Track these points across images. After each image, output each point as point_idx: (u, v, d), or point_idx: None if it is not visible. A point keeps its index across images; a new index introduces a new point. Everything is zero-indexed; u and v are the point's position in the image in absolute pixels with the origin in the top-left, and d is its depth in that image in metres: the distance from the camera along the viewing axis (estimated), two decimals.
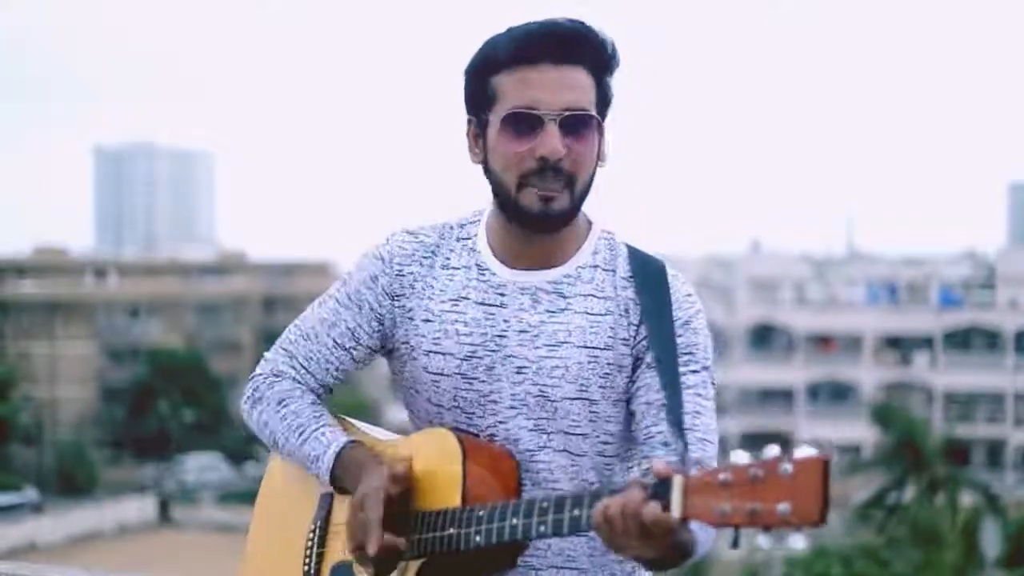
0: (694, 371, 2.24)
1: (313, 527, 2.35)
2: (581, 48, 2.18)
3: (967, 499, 31.52)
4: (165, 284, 62.16)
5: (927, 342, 55.45)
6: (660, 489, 1.87)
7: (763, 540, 1.75)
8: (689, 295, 2.28)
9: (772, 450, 1.75)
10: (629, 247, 2.32)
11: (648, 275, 2.28)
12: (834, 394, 56.08)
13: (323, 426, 2.32)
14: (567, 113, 2.16)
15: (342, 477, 2.26)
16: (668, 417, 2.17)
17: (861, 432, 48.20)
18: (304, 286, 60.39)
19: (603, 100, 2.22)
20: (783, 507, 1.71)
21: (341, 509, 2.31)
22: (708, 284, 60.81)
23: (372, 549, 2.13)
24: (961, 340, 55.31)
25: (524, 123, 2.17)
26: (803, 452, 1.72)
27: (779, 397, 56.25)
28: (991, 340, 54.86)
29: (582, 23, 2.20)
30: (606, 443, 2.27)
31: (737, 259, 65.88)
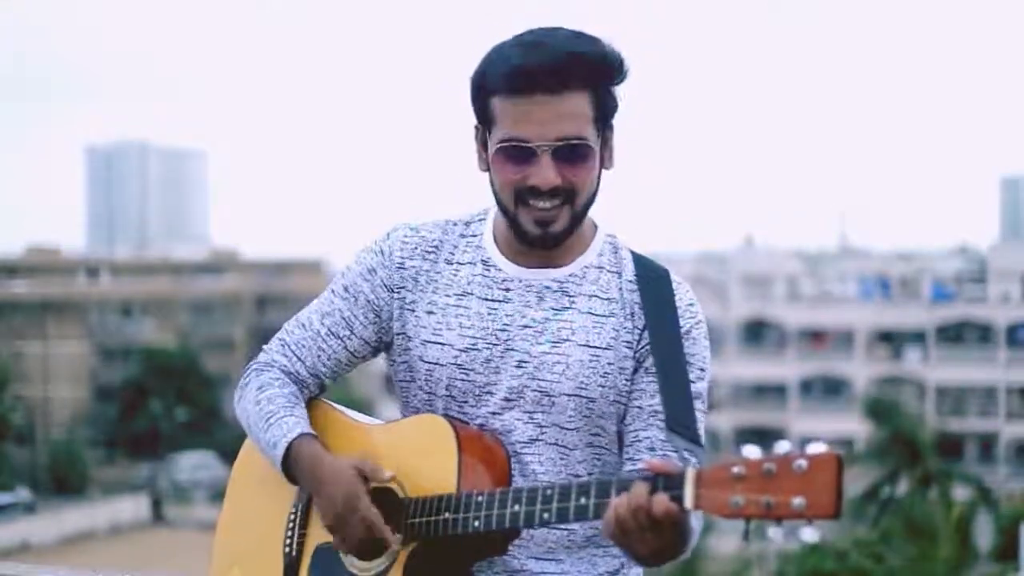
0: (691, 381, 2.27)
1: (294, 509, 2.36)
2: (576, 71, 2.18)
3: (960, 493, 31.60)
4: (158, 283, 62.09)
5: (919, 336, 55.52)
6: (672, 481, 1.92)
7: (776, 533, 1.83)
8: (691, 304, 2.31)
9: (783, 446, 1.82)
10: (633, 252, 2.36)
11: (653, 281, 2.31)
12: (827, 389, 56.14)
13: (289, 415, 2.32)
14: (560, 143, 2.18)
15: (294, 467, 2.28)
16: (668, 423, 2.19)
17: (854, 427, 48.26)
18: (297, 284, 60.37)
19: (605, 110, 2.24)
20: (798, 501, 1.78)
21: None
22: (701, 280, 60.75)
23: (395, 543, 2.19)
24: (953, 334, 55.39)
25: (518, 153, 2.20)
26: (816, 448, 1.79)
27: (772, 392, 56.32)
28: (983, 334, 54.94)
29: (577, 41, 2.20)
30: (596, 435, 2.29)
31: (730, 255, 65.88)
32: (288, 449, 2.28)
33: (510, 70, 2.18)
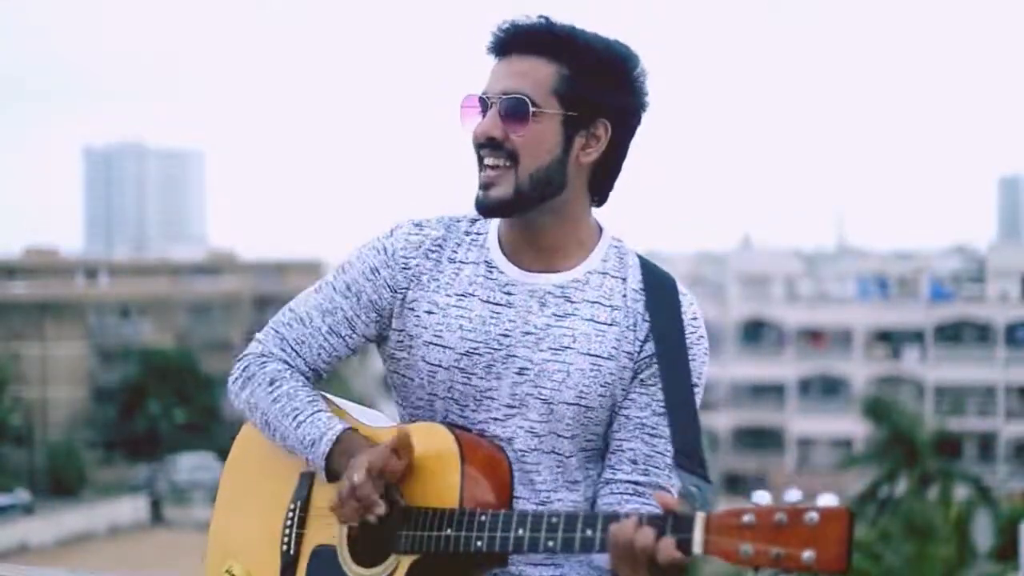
0: None
1: (293, 506, 2.33)
2: (539, 38, 2.22)
3: (959, 492, 31.60)
4: (156, 284, 62.03)
5: (918, 336, 55.54)
6: (681, 524, 1.92)
7: None
8: (695, 318, 2.29)
9: (794, 495, 1.84)
10: (640, 257, 2.33)
11: (660, 292, 2.29)
12: (825, 389, 56.16)
13: (319, 411, 2.30)
14: (504, 97, 2.21)
15: (338, 462, 2.24)
16: (677, 459, 2.16)
17: (852, 426, 48.27)
18: (295, 285, 60.22)
19: (578, 92, 2.22)
20: (808, 554, 1.79)
21: (322, 491, 2.30)
22: (699, 280, 60.75)
23: (378, 511, 2.15)
24: (952, 334, 55.41)
25: (476, 107, 2.26)
26: (827, 501, 1.81)
27: (771, 392, 56.32)
28: (981, 333, 54.96)
29: (546, 18, 2.24)
30: (590, 440, 2.28)
31: (728, 255, 65.93)
32: (334, 444, 2.25)
33: (493, 33, 2.25)
